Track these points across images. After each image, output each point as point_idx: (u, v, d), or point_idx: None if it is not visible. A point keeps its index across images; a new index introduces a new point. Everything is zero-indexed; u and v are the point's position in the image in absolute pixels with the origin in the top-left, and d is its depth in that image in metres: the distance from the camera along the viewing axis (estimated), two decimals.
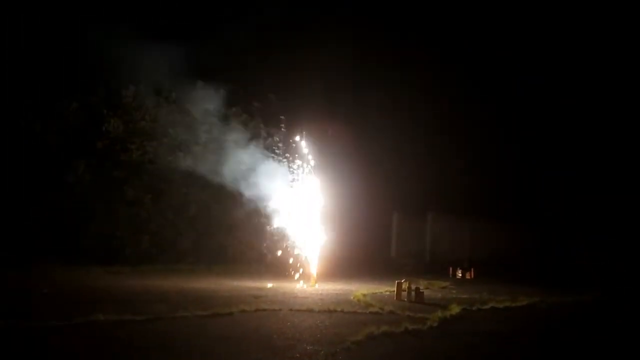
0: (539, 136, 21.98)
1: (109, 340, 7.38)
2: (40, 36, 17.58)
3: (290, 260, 16.05)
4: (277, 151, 17.24)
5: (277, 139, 18.32)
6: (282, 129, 17.99)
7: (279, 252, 16.55)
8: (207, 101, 18.17)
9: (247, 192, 16.87)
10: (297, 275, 15.55)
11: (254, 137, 17.94)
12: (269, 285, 14.31)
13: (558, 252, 20.40)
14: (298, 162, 16.27)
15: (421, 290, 12.43)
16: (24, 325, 7.70)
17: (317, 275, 15.28)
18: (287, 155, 16.75)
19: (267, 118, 19.07)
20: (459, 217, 21.83)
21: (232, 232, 19.48)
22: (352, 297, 12.02)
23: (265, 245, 17.93)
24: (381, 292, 13.17)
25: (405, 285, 12.50)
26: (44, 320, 7.96)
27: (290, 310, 10.19)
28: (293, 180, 16.30)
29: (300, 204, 16.11)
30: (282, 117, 18.37)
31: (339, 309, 10.26)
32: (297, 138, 16.31)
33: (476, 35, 22.11)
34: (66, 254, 16.80)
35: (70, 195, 18.13)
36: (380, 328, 8.13)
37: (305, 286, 14.54)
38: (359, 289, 13.19)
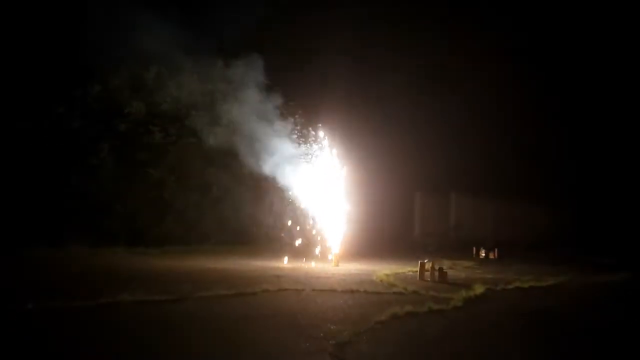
0: (565, 114, 21.59)
1: (133, 320, 7.46)
2: (63, 19, 17.62)
3: (313, 241, 16.07)
4: (299, 131, 17.20)
5: (300, 118, 18.23)
6: (299, 113, 17.86)
7: (302, 233, 16.57)
8: (228, 82, 18.17)
9: (270, 173, 16.89)
10: (319, 255, 15.57)
11: (275, 117, 17.85)
12: (291, 263, 14.37)
13: (584, 234, 20.13)
14: (320, 142, 16.23)
15: (445, 270, 12.38)
16: (50, 306, 7.80)
17: (339, 255, 15.28)
18: (310, 134, 16.71)
19: (288, 97, 18.96)
20: (483, 197, 21.65)
21: (255, 212, 19.51)
22: (374, 277, 12.01)
23: (287, 225, 17.93)
24: (404, 272, 13.14)
25: (428, 265, 12.45)
26: (70, 300, 8.06)
27: (313, 290, 10.21)
28: (315, 160, 16.28)
29: (322, 184, 16.10)
30: (291, 103, 18.18)
31: (361, 289, 10.25)
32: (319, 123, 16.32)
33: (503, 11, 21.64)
34: (92, 236, 16.97)
35: (95, 178, 18.29)
36: (404, 308, 8.11)
37: (327, 266, 14.56)
38: (382, 269, 13.17)
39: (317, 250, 16.07)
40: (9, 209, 16.64)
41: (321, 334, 6.77)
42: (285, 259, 14.81)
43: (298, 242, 16.96)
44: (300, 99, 18.54)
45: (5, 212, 16.47)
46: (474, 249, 18.76)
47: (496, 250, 18.49)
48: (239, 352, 6.07)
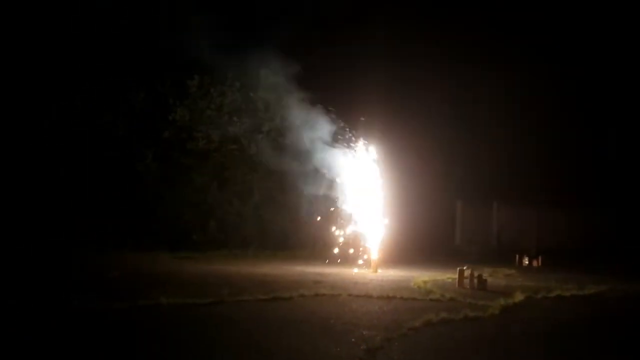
0: (610, 120, 21.05)
1: (169, 323, 7.64)
2: (109, 25, 18.17)
3: (353, 247, 16.08)
4: (340, 138, 17.23)
5: (341, 126, 18.28)
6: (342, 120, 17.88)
7: (342, 239, 16.58)
8: (270, 89, 18.40)
9: (311, 179, 16.99)
10: (359, 262, 15.58)
11: (316, 124, 17.93)
12: (331, 270, 14.44)
13: (631, 240, 19.57)
14: (361, 149, 16.24)
15: (484, 278, 12.22)
16: (89, 307, 8.05)
17: (379, 261, 15.24)
18: (351, 141, 16.74)
19: (329, 106, 19.04)
20: (527, 205, 21.28)
21: (296, 218, 19.66)
22: (412, 284, 11.95)
23: (328, 231, 17.99)
24: (443, 279, 13.01)
25: (467, 273, 12.31)
26: (109, 302, 8.31)
27: (349, 295, 10.23)
28: (358, 166, 16.28)
29: (363, 191, 16.10)
30: (331, 108, 18.20)
31: (398, 296, 10.21)
32: (360, 127, 16.33)
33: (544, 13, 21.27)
34: (137, 240, 17.40)
35: (140, 183, 18.77)
36: (439, 315, 8.05)
37: (366, 272, 14.55)
38: (420, 276, 13.08)
39: (358, 256, 16.07)
40: (58, 212, 17.24)
41: (353, 339, 6.79)
42: (327, 265, 14.85)
43: (339, 248, 16.98)
44: (343, 106, 18.58)
45: (54, 215, 17.07)
46: (517, 256, 18.43)
47: (539, 258, 18.13)
48: (267, 356, 6.15)
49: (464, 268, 12.49)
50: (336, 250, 16.83)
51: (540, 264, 17.99)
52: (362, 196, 16.07)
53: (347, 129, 17.15)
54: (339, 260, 15.96)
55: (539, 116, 21.15)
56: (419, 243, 19.80)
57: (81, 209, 17.73)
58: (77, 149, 18.41)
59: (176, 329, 7.30)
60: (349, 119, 17.85)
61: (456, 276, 12.38)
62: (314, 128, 17.01)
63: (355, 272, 14.50)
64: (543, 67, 20.77)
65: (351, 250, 16.14)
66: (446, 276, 13.33)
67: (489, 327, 8.01)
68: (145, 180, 18.73)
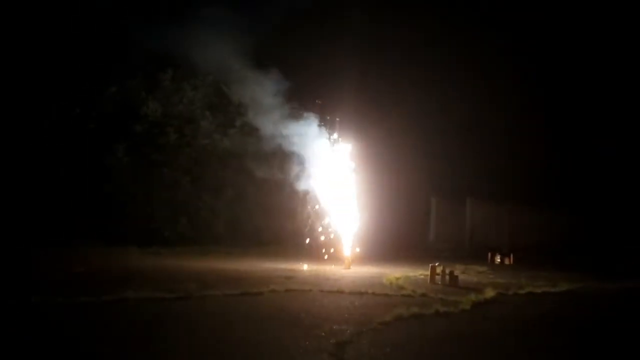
0: (582, 120, 21.21)
1: (134, 317, 7.45)
2: (78, 20, 17.82)
3: (325, 243, 16.00)
4: (313, 132, 17.10)
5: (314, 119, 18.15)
6: (318, 105, 17.73)
7: (314, 235, 16.49)
8: (243, 84, 18.18)
9: (283, 175, 16.86)
10: (331, 258, 15.49)
11: (289, 118, 17.78)
12: (304, 267, 14.32)
13: (603, 239, 19.75)
14: (333, 144, 16.14)
15: (456, 274, 12.19)
16: (53, 302, 7.82)
17: (351, 258, 15.16)
18: (326, 135, 16.61)
19: (302, 99, 18.88)
20: (500, 203, 21.38)
21: (268, 215, 19.49)
22: (384, 280, 11.86)
23: (300, 228, 17.86)
24: (415, 276, 12.94)
25: (439, 269, 12.28)
26: (73, 297, 8.08)
27: (321, 291, 10.12)
28: (331, 162, 16.17)
29: (335, 187, 16.00)
30: (318, 101, 18.10)
31: (370, 291, 10.13)
32: (333, 120, 16.22)
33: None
34: (106, 236, 17.07)
35: (110, 178, 18.44)
36: (409, 310, 7.98)
37: (339, 268, 14.45)
38: (393, 272, 13.01)
39: (331, 253, 15.97)
40: (22, 207, 16.84)
41: (322, 333, 6.68)
42: (304, 266, 14.71)
43: (311, 244, 16.88)
44: (317, 99, 18.45)
45: (19, 210, 16.67)
46: (489, 254, 18.48)
47: (511, 255, 18.21)
48: (236, 350, 6.01)
49: (436, 264, 12.47)
50: (309, 247, 16.75)
51: (512, 261, 18.05)
52: (336, 192, 15.97)
53: (322, 124, 17.04)
54: (311, 257, 15.85)
55: (514, 114, 21.22)
56: (393, 240, 19.76)
57: (47, 204, 17.34)
58: (45, 142, 18.00)
59: (141, 324, 7.11)
60: (323, 113, 17.75)
61: (428, 273, 12.34)
62: (288, 121, 16.87)
63: (327, 268, 14.38)
64: (518, 61, 20.84)
65: (324, 247, 16.06)
66: (418, 273, 13.27)
67: (460, 322, 7.96)
68: (115, 175, 18.38)
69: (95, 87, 18.67)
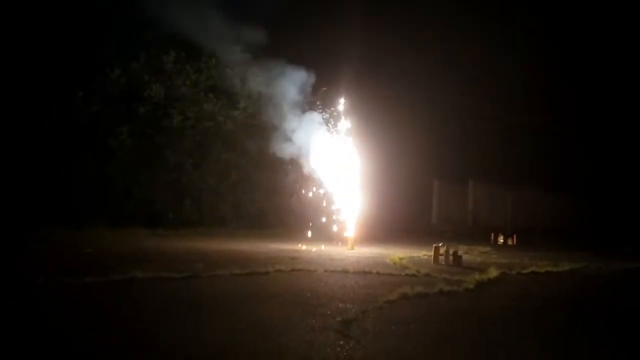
0: (585, 103, 21.19)
1: (143, 296, 7.54)
2: (82, 3, 17.78)
3: (329, 224, 16.09)
4: (317, 115, 17.12)
5: (317, 103, 18.17)
6: (324, 91, 17.74)
7: (318, 216, 16.58)
8: (247, 66, 18.15)
9: (287, 156, 16.90)
10: (335, 239, 15.59)
11: (293, 101, 17.78)
12: (310, 248, 14.42)
13: (606, 221, 19.82)
14: (338, 126, 16.17)
15: (459, 254, 12.29)
16: (61, 282, 7.91)
17: (355, 239, 15.26)
18: (328, 119, 16.64)
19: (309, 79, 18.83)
20: (502, 184, 21.44)
21: (272, 196, 19.58)
22: (388, 260, 11.97)
23: (304, 209, 17.97)
24: (419, 256, 13.07)
25: (443, 249, 12.38)
26: (81, 277, 8.17)
27: (326, 271, 10.21)
28: (335, 145, 16.21)
29: (339, 168, 16.06)
30: (324, 88, 18.12)
31: (374, 271, 10.21)
32: (339, 103, 16.22)
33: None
34: (112, 218, 17.20)
35: (114, 160, 18.51)
36: (414, 289, 8.05)
37: (343, 249, 14.55)
38: (396, 253, 13.12)
39: (335, 234, 16.08)
40: (29, 190, 16.93)
41: (328, 312, 6.77)
42: (303, 243, 14.83)
43: (316, 225, 16.98)
44: (320, 81, 18.43)
45: (25, 193, 16.76)
46: (492, 235, 18.60)
47: (514, 236, 18.33)
48: (243, 328, 6.09)
49: (440, 245, 12.55)
50: (313, 228, 16.85)
51: (515, 242, 18.19)
52: (339, 173, 16.04)
53: (326, 106, 17.05)
54: (315, 238, 15.95)
55: (518, 97, 21.21)
56: (396, 222, 19.87)
57: (53, 186, 17.42)
58: (51, 125, 18.05)
59: (149, 303, 7.20)
60: (326, 94, 17.75)
61: (432, 253, 12.44)
62: (291, 103, 16.87)
63: (332, 249, 14.48)
64: (524, 50, 20.80)
65: (328, 228, 16.15)
66: (422, 253, 13.40)
67: (464, 301, 8.03)
68: (119, 157, 18.45)
69: (99, 70, 18.66)
